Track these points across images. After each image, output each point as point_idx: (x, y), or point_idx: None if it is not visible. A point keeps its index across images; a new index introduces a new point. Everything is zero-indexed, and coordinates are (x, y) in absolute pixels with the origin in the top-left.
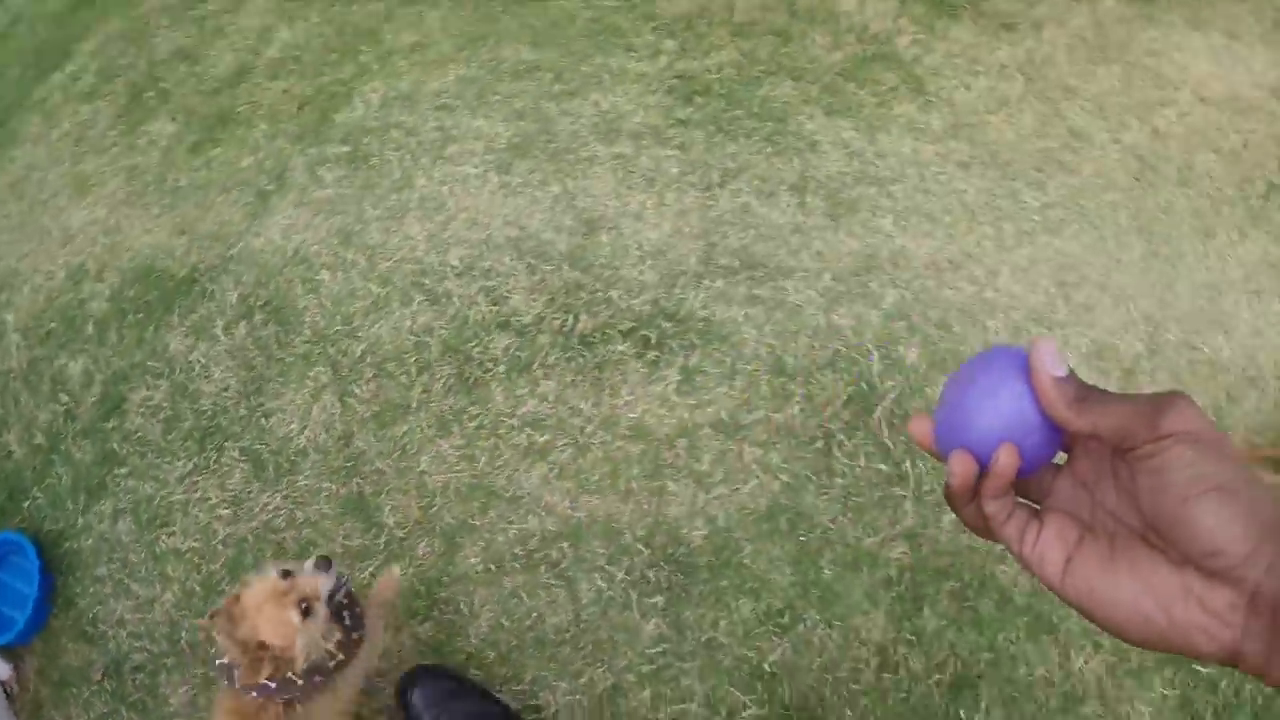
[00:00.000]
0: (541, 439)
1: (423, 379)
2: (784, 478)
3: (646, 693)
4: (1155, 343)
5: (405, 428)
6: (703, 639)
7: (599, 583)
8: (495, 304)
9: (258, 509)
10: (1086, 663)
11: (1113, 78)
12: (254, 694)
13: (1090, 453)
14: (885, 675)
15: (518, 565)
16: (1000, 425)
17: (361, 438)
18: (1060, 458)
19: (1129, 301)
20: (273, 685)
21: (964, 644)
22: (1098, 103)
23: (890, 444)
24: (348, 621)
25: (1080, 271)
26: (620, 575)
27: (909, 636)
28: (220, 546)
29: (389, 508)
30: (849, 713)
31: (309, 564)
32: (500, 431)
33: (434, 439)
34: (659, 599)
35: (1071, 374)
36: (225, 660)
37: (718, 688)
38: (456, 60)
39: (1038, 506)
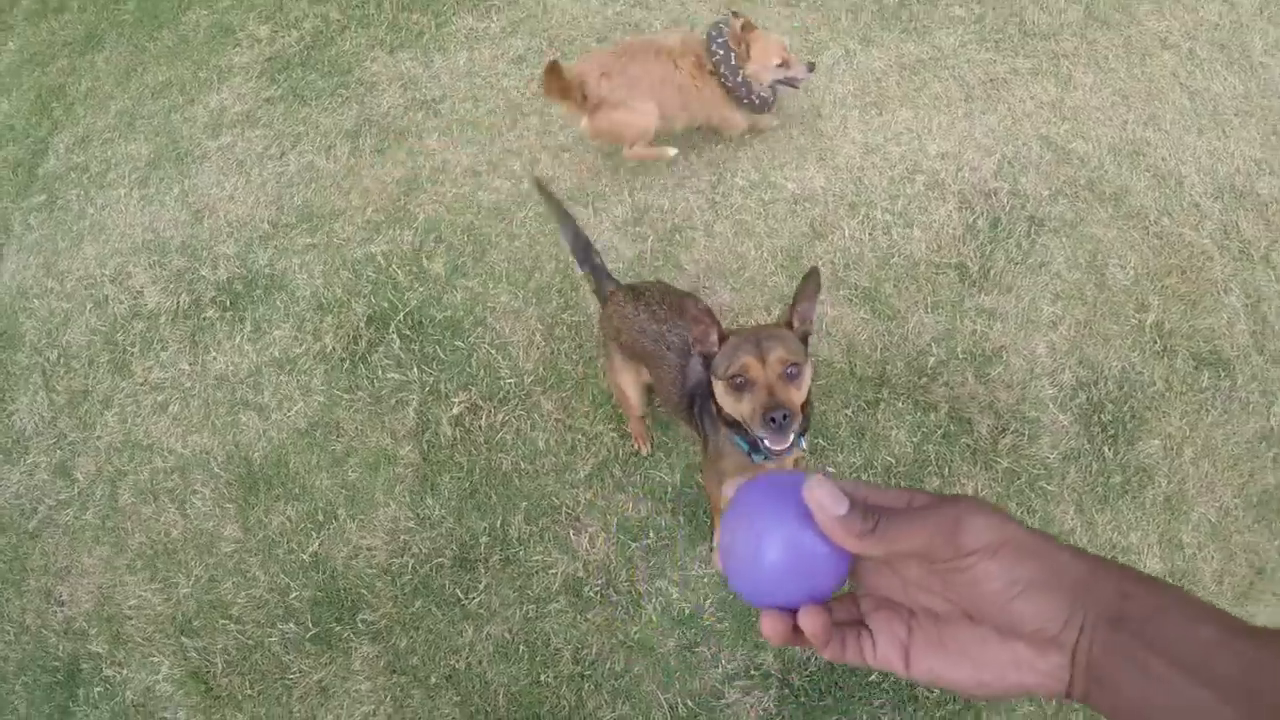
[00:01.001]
0: (160, 398)
1: (94, 370)
2: (320, 398)
3: (229, 583)
4: (720, 188)
5: (87, 407)
6: (260, 537)
7: (195, 500)
8: (134, 298)
9: None
10: (592, 543)
11: None
12: None
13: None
14: (394, 559)
15: (149, 498)
16: (796, 570)
17: (64, 420)
18: None
19: (683, 152)
20: None
21: (466, 529)
22: None
23: (401, 353)
24: None
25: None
26: (208, 493)
27: (413, 525)
28: None
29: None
30: (367, 593)
31: None
32: (139, 398)
33: (101, 413)
34: (232, 507)
35: (852, 508)
36: None
37: (276, 576)
38: (116, 95)
39: (859, 615)
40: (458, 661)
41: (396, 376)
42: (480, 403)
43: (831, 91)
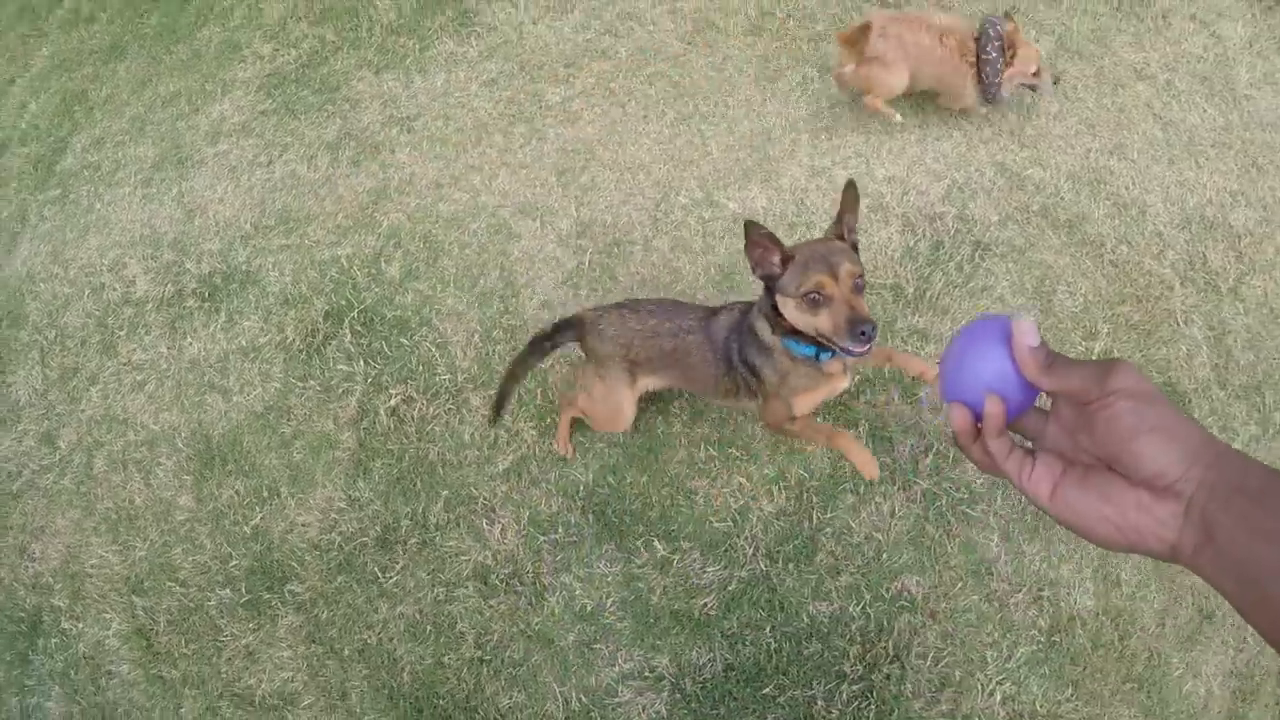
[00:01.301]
0: (139, 377)
1: (85, 350)
2: (277, 384)
3: (179, 549)
4: (664, 205)
5: (75, 383)
6: (210, 508)
7: (158, 471)
8: (126, 287)
9: None
10: (504, 534)
11: None
12: None
13: (1066, 404)
14: (324, 535)
15: (120, 468)
16: (988, 382)
17: (54, 393)
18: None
19: (639, 171)
20: None
21: (390, 512)
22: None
23: (351, 347)
24: None
25: (589, 155)
26: (170, 465)
27: (344, 505)
28: None
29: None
30: (297, 566)
31: None
32: (121, 376)
33: (87, 389)
34: (189, 479)
35: (1043, 344)
36: None
37: (221, 545)
38: (131, 102)
39: (1030, 445)
40: (370, 636)
41: (345, 368)
42: (415, 395)
43: (785, 115)
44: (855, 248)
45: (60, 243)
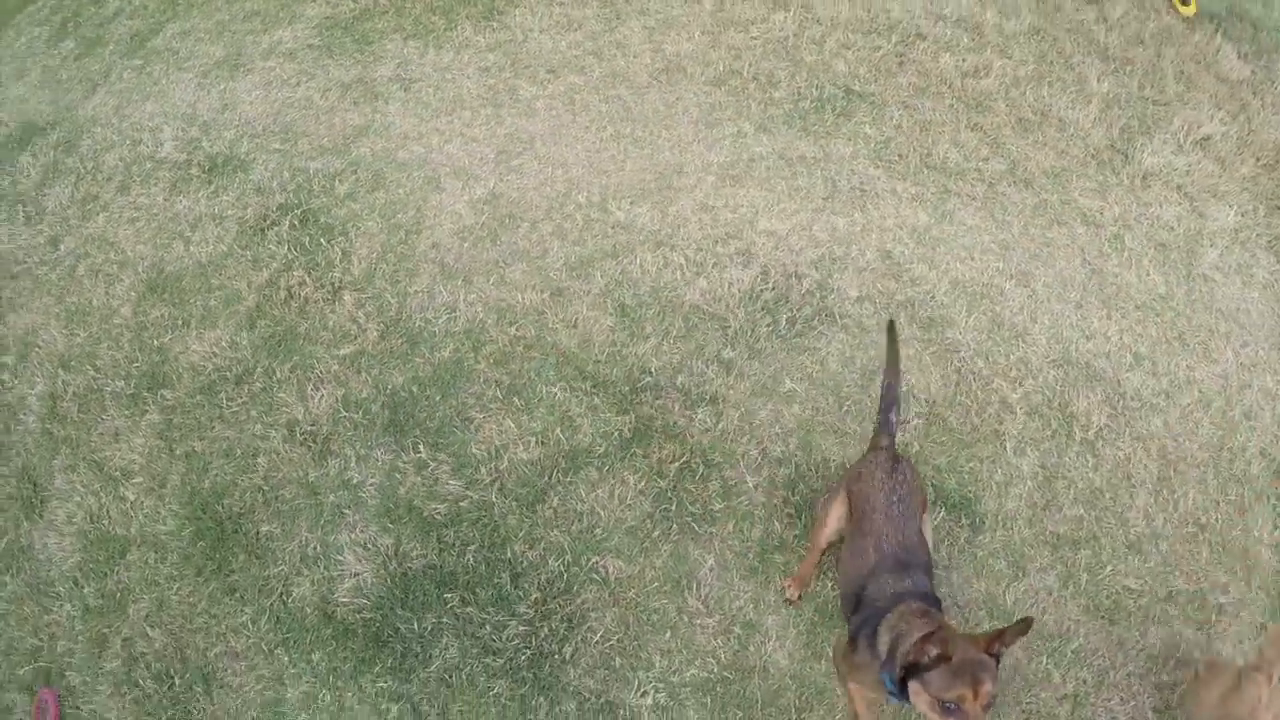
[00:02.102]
0: (135, 214)
1: (107, 185)
2: (224, 247)
3: (104, 344)
4: (564, 199)
5: (90, 207)
6: (138, 321)
7: (117, 286)
8: (156, 147)
9: None
10: (320, 402)
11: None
12: None
13: None
14: (203, 362)
15: (93, 275)
16: None
17: (73, 210)
18: None
19: (560, 168)
20: None
21: (255, 361)
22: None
23: (286, 235)
24: None
25: (529, 145)
26: (128, 283)
27: (226, 346)
28: None
29: None
30: (175, 379)
31: None
32: (123, 211)
33: (96, 213)
34: (134, 296)
35: None
36: None
37: (134, 350)
38: (221, 10)
39: None
40: (198, 445)
41: (274, 248)
42: (309, 281)
43: (703, 158)
44: (998, 661)
45: (125, 101)
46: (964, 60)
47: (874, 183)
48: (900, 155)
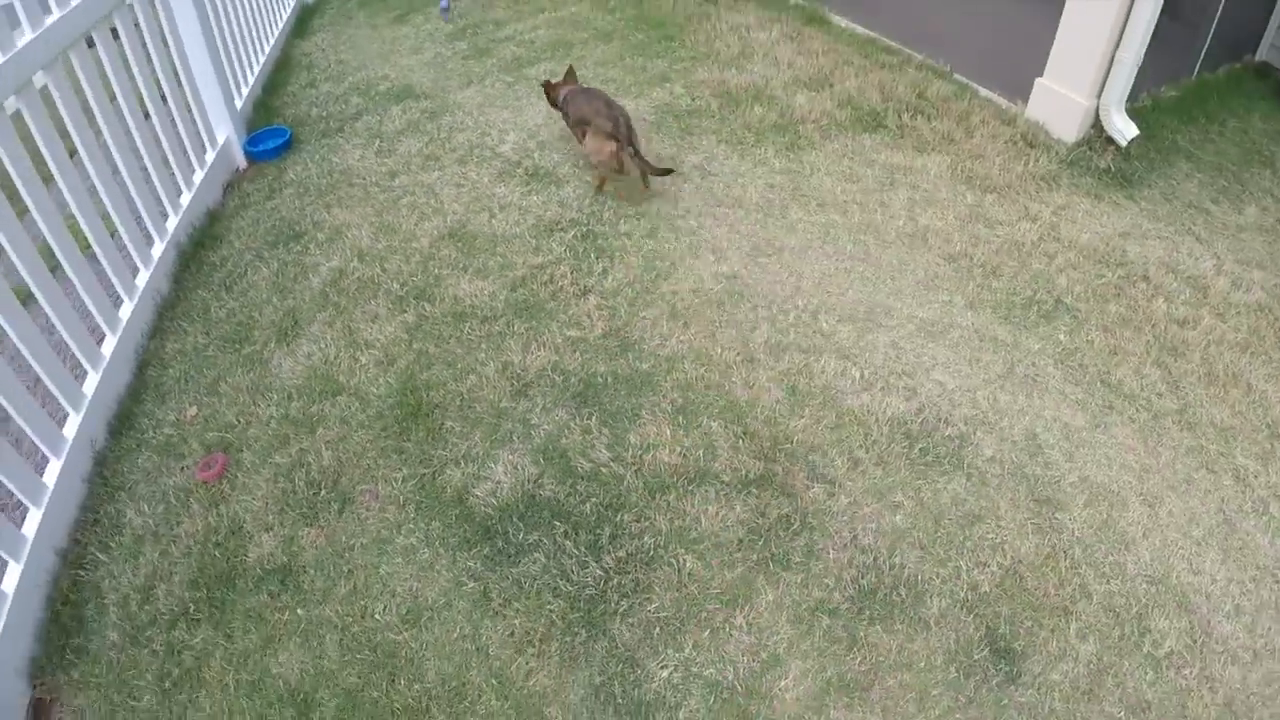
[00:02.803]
0: (464, 185)
1: (453, 155)
2: (502, 215)
3: (392, 259)
4: (787, 301)
5: (436, 166)
6: (423, 255)
7: (425, 224)
8: (498, 144)
9: None
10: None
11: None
12: None
13: None
14: (476, 295)
15: (416, 210)
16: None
17: (426, 153)
18: None
19: (794, 276)
20: None
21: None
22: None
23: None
24: None
25: (778, 252)
26: (431, 226)
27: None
28: None
29: None
30: (436, 285)
31: None
32: (455, 180)
33: (436, 168)
34: (435, 235)
35: None
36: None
37: (408, 275)
38: (596, 61)
39: None
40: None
41: (554, 245)
42: (569, 276)
43: (911, 309)
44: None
45: (488, 101)
46: (1177, 309)
47: (1048, 379)
48: (1082, 366)
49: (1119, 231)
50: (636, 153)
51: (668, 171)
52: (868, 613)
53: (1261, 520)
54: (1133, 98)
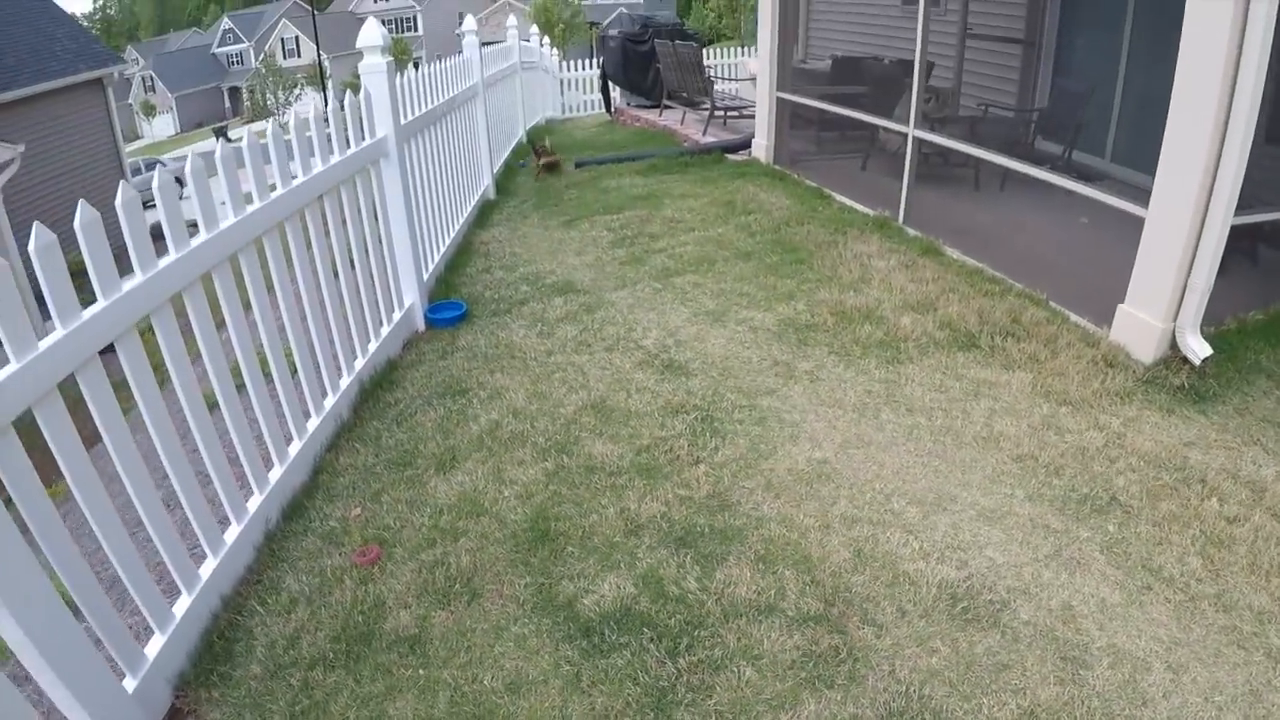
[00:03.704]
0: (593, 366)
1: (602, 342)
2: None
3: (534, 431)
4: (866, 486)
5: (585, 350)
6: (553, 436)
7: (566, 404)
8: (639, 342)
9: None
10: None
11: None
12: None
13: None
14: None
15: (566, 384)
16: None
17: (573, 336)
18: None
19: (876, 466)
20: None
21: None
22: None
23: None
24: None
25: (865, 446)
26: (572, 403)
27: None
28: None
29: None
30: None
31: None
32: (591, 359)
33: (586, 354)
34: (578, 417)
35: None
36: None
37: (552, 431)
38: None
39: None
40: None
41: (677, 424)
42: (685, 448)
43: (975, 498)
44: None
45: (636, 304)
46: (1229, 509)
47: (1091, 561)
48: (1126, 554)
49: (1184, 441)
50: None
51: None
52: None
53: None
54: (1216, 321)
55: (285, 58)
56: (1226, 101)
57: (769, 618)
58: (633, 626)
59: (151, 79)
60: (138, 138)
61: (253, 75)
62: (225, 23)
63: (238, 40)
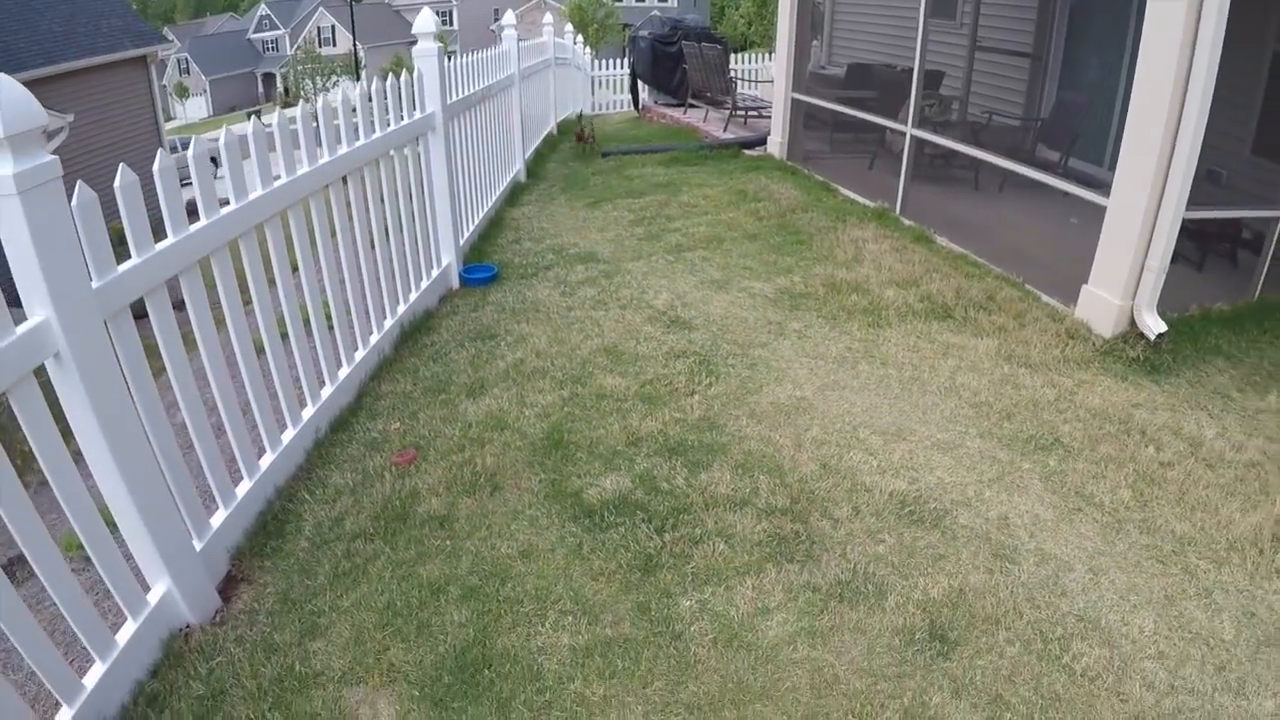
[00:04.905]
0: (615, 321)
1: (617, 301)
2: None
3: (555, 359)
4: (837, 420)
5: (600, 309)
6: (568, 372)
7: (581, 347)
8: (649, 307)
9: None
10: None
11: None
12: None
13: None
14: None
15: (580, 328)
16: None
17: (597, 294)
18: None
19: (847, 404)
20: None
21: None
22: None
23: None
24: None
25: (840, 389)
26: (587, 348)
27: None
28: None
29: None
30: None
31: None
32: (611, 316)
33: (602, 313)
34: (592, 361)
35: None
36: None
37: (564, 366)
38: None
39: None
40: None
41: (678, 365)
42: (682, 382)
43: (932, 434)
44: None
45: (650, 271)
46: (1165, 455)
47: (1030, 486)
48: (1062, 483)
49: (1132, 402)
50: None
51: None
52: (840, 594)
53: (1203, 603)
54: (1181, 308)
55: (320, 46)
56: (1180, 95)
57: (742, 509)
58: (628, 511)
59: (186, 61)
60: (171, 119)
61: (291, 60)
62: (262, 9)
63: (274, 27)
